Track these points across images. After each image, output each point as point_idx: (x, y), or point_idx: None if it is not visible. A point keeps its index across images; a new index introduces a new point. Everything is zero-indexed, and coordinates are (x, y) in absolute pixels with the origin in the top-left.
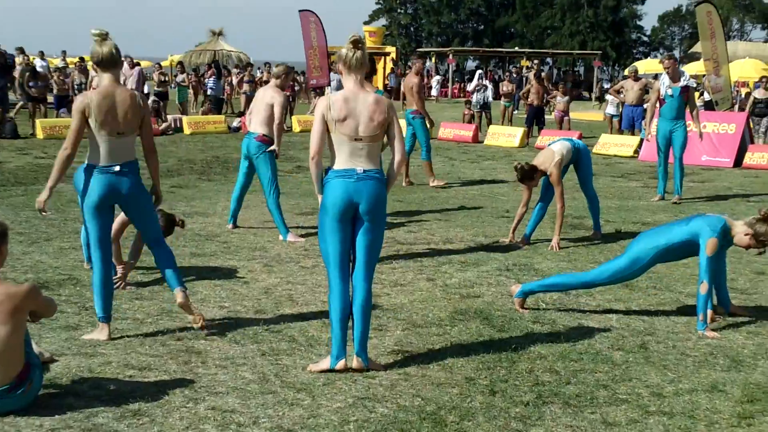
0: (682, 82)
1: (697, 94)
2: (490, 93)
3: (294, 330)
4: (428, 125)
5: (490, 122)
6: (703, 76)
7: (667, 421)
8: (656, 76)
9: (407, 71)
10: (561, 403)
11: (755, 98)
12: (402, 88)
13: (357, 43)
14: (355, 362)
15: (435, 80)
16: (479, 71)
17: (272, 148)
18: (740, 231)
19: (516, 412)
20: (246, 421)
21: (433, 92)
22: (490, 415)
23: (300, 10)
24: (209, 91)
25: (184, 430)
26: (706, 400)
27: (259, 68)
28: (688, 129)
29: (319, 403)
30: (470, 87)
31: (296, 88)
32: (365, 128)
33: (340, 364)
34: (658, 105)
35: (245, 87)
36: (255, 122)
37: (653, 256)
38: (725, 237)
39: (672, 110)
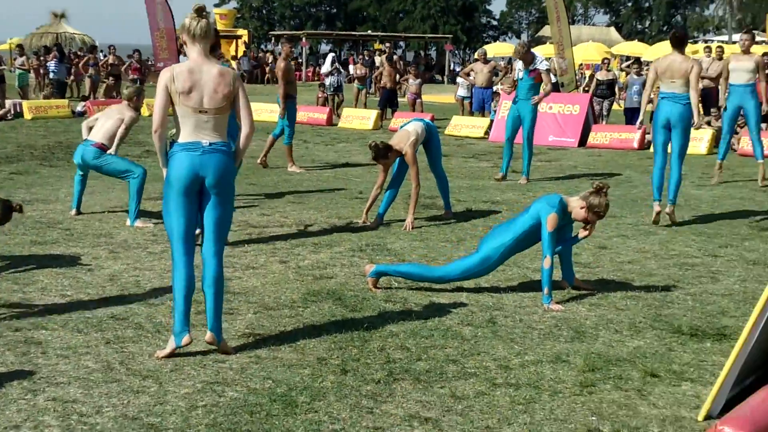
0: (534, 66)
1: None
2: (342, 76)
3: (141, 317)
4: (280, 113)
5: (340, 104)
6: (548, 59)
7: (513, 393)
8: (510, 61)
9: (260, 54)
10: (411, 379)
11: (597, 80)
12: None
13: (201, 12)
14: (208, 336)
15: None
16: (332, 54)
17: (110, 151)
18: (576, 205)
19: (367, 390)
20: (89, 411)
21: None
22: (342, 394)
23: None
24: (51, 75)
25: (23, 423)
26: (550, 370)
27: (101, 51)
28: (539, 109)
29: (167, 390)
30: (323, 70)
31: (144, 71)
32: (210, 100)
33: (185, 339)
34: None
35: (90, 70)
36: (98, 132)
37: (502, 253)
38: (565, 214)
39: (523, 91)
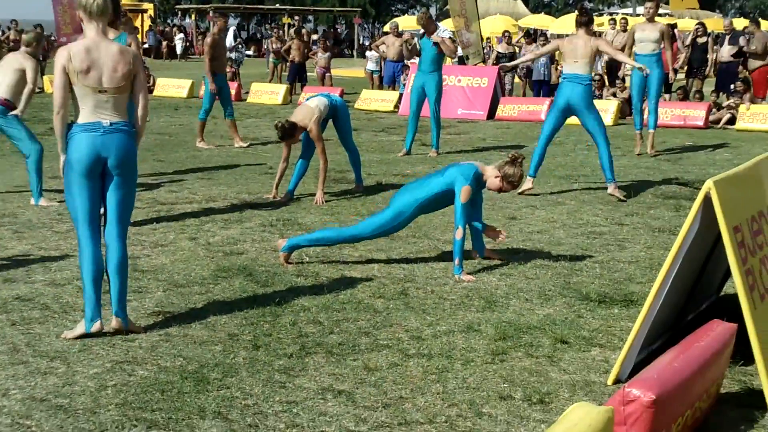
0: (435, 36)
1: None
2: (243, 51)
3: (47, 297)
4: (210, 87)
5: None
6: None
7: (426, 363)
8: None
9: (166, 29)
10: (324, 353)
11: (498, 52)
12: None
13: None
14: (114, 322)
15: (178, 38)
16: (233, 28)
17: (15, 112)
18: (491, 174)
19: (279, 365)
20: None
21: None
22: (254, 369)
23: None
24: None
25: None
26: (462, 340)
27: (8, 27)
28: (444, 82)
29: (75, 370)
30: (227, 44)
31: (47, 47)
32: (109, 79)
33: (96, 327)
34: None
35: None
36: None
37: (415, 208)
38: (478, 183)
39: (425, 62)
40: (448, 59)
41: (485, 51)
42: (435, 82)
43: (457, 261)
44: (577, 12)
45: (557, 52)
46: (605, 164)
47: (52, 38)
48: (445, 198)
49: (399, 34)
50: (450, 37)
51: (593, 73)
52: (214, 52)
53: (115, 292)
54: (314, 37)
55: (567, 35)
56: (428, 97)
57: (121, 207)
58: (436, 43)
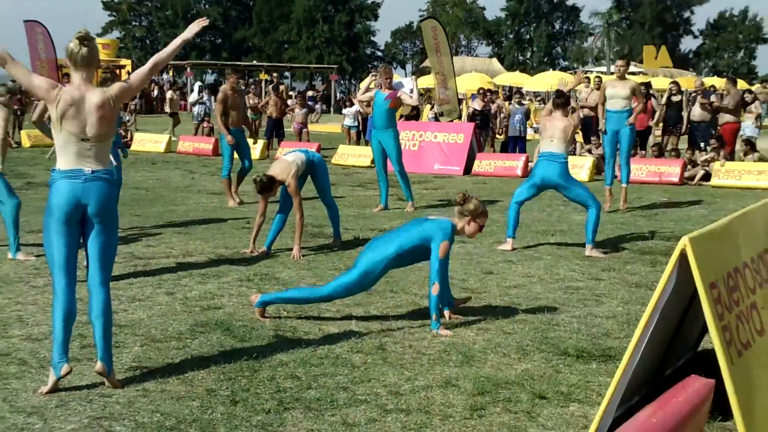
0: (406, 87)
1: (428, 107)
2: (209, 104)
3: (24, 352)
4: (227, 140)
5: (210, 132)
6: (430, 89)
7: (404, 418)
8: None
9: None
10: (302, 408)
11: (474, 109)
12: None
13: (83, 39)
14: (98, 366)
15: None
16: (198, 83)
17: None
18: (463, 224)
19: (258, 420)
20: None
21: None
22: (232, 425)
23: (25, 21)
24: None
25: None
26: (440, 395)
27: None
28: (421, 138)
29: (52, 426)
30: (190, 99)
31: (24, 101)
32: (92, 128)
33: (64, 369)
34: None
35: None
36: None
37: (385, 266)
38: (453, 238)
39: (379, 118)
40: (400, 113)
41: (461, 108)
42: (391, 138)
43: (434, 316)
44: (554, 95)
45: (533, 111)
46: (590, 227)
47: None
48: (416, 253)
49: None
50: (411, 90)
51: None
52: (224, 107)
53: (100, 338)
54: (310, 93)
55: (543, 94)
56: (389, 154)
57: (102, 254)
58: (388, 98)
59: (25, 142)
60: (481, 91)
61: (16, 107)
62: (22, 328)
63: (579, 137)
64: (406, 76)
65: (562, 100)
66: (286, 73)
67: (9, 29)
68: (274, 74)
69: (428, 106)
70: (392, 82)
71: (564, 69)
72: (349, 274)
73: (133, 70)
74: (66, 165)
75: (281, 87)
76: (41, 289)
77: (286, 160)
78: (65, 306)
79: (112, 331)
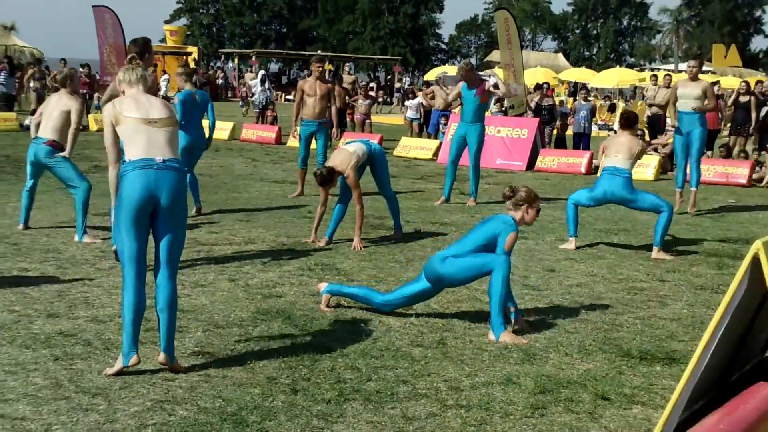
0: (485, 86)
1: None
2: (270, 92)
3: (89, 333)
4: (292, 133)
5: (275, 121)
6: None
7: (465, 414)
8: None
9: (209, 71)
10: (362, 400)
11: (538, 104)
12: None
13: (132, 61)
14: (161, 357)
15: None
16: (261, 72)
17: (63, 153)
18: (519, 215)
19: (318, 410)
20: (38, 429)
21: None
22: (292, 413)
23: (94, 6)
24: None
25: None
26: (501, 392)
27: (46, 64)
28: (487, 132)
29: (116, 408)
30: (253, 87)
31: (94, 86)
32: (157, 112)
33: (133, 360)
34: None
35: (35, 84)
36: (45, 127)
37: (458, 281)
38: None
39: (467, 113)
40: (491, 109)
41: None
42: (477, 132)
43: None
44: (620, 115)
45: (598, 107)
46: (660, 229)
47: (97, 76)
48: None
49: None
50: (495, 84)
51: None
52: (301, 96)
53: (164, 330)
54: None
55: (610, 90)
56: (469, 147)
57: (171, 249)
58: (478, 94)
59: (93, 126)
60: (546, 86)
61: (84, 91)
62: (87, 309)
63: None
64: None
65: (628, 120)
66: (350, 64)
67: (84, 14)
68: (348, 64)
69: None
70: (476, 76)
71: (630, 66)
72: (415, 285)
73: (199, 57)
74: (136, 154)
75: (352, 78)
76: (106, 271)
77: (347, 151)
78: (134, 299)
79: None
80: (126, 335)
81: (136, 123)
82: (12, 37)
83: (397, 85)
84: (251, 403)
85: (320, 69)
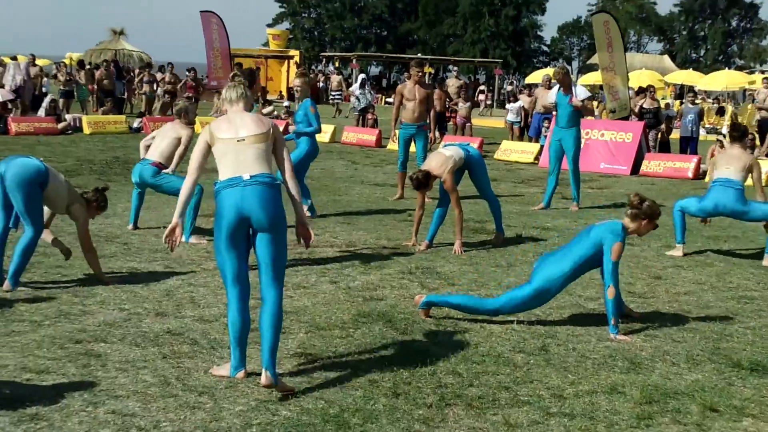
0: (575, 100)
1: (595, 103)
2: (370, 96)
3: (196, 333)
4: (391, 137)
5: (375, 124)
6: (600, 87)
7: (568, 423)
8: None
9: (311, 74)
10: (464, 405)
11: (642, 108)
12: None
13: (234, 78)
14: (264, 379)
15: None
16: (362, 75)
17: (167, 170)
18: (635, 225)
19: (419, 414)
20: (147, 425)
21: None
22: (394, 417)
23: (201, 11)
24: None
25: None
26: (605, 401)
27: (158, 68)
28: (585, 137)
29: (222, 407)
30: (352, 89)
31: (199, 89)
32: (247, 130)
33: (240, 374)
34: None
35: (145, 87)
36: (155, 151)
37: (562, 282)
38: (626, 239)
39: (562, 118)
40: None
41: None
42: (572, 137)
43: (612, 320)
44: (730, 128)
45: (706, 110)
46: None
47: (204, 81)
48: (591, 262)
49: (550, 87)
50: (589, 98)
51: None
52: (400, 100)
53: (267, 348)
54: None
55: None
56: (566, 152)
57: (273, 264)
58: (571, 101)
59: (198, 129)
60: (650, 90)
61: (190, 95)
62: (194, 309)
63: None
64: (572, 73)
65: (738, 133)
66: (450, 67)
67: (190, 20)
68: (455, 68)
69: (595, 103)
70: (570, 82)
71: (740, 68)
72: (523, 289)
73: (301, 60)
74: (226, 174)
75: (459, 82)
76: (212, 272)
77: (444, 155)
78: (238, 318)
79: None
80: (233, 353)
81: (225, 144)
82: (121, 41)
83: (509, 88)
84: (353, 406)
85: (419, 73)
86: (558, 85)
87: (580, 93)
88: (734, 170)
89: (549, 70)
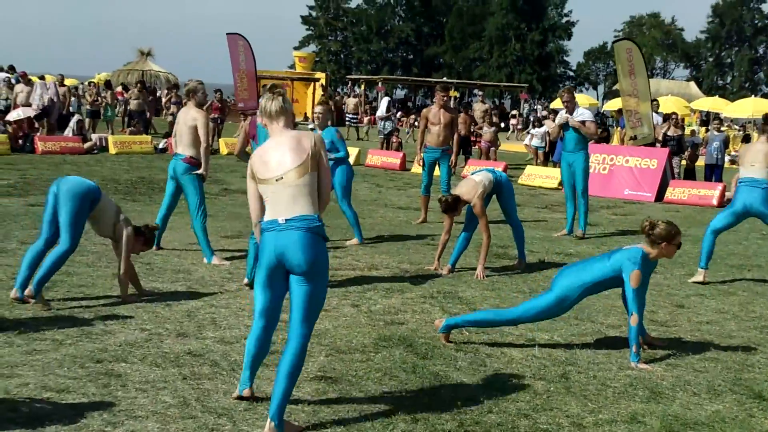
0: (572, 120)
1: (619, 129)
2: (395, 120)
3: (216, 354)
4: (416, 159)
5: (399, 147)
6: (619, 110)
7: None
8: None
9: (335, 96)
10: None
11: (666, 135)
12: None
13: (273, 89)
14: (267, 429)
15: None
16: (387, 98)
17: (199, 171)
18: (656, 251)
19: None
20: None
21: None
22: None
23: (228, 33)
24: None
25: None
26: (625, 430)
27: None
28: (609, 163)
29: (240, 429)
30: (379, 113)
31: (225, 110)
32: (287, 163)
33: (246, 392)
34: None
35: (172, 108)
36: (180, 145)
37: (581, 293)
38: (647, 266)
39: (569, 142)
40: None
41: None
42: (581, 160)
43: (634, 348)
44: (762, 119)
45: (732, 138)
46: None
47: (230, 102)
48: (610, 282)
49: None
50: (591, 120)
51: None
52: (425, 124)
53: (278, 395)
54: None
55: (744, 120)
56: (576, 175)
57: (306, 305)
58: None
59: (223, 150)
60: (674, 116)
61: (215, 115)
62: (215, 330)
63: None
64: (598, 98)
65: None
66: (476, 91)
67: (217, 41)
68: (480, 92)
69: (618, 129)
70: (574, 103)
71: (766, 95)
72: (544, 298)
73: (327, 83)
74: (266, 215)
75: (485, 106)
76: (233, 293)
77: (473, 180)
78: (256, 345)
79: None
80: (244, 370)
81: (265, 185)
82: (148, 62)
83: (544, 113)
84: (371, 430)
85: (444, 97)
86: (564, 109)
87: (581, 114)
88: (759, 168)
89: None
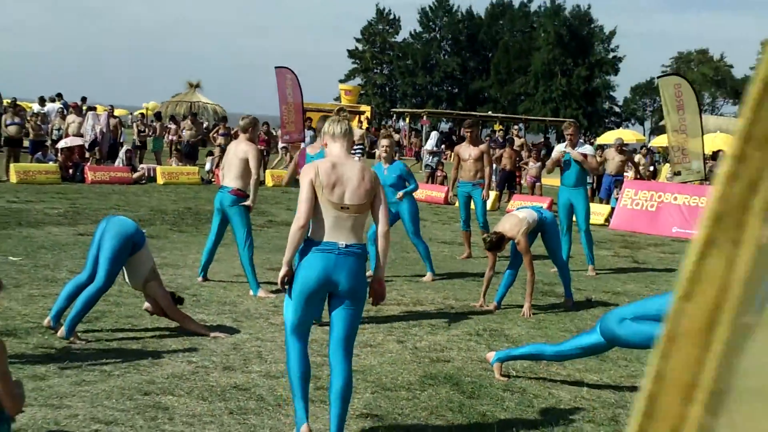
0: (575, 153)
1: (666, 165)
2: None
3: (262, 389)
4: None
5: (443, 181)
6: (666, 147)
7: None
8: (635, 149)
9: (382, 128)
10: None
11: (711, 171)
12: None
13: (340, 112)
14: None
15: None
16: (435, 132)
17: (247, 203)
18: None
19: None
20: None
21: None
22: None
23: (276, 67)
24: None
25: None
26: None
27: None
28: (657, 200)
29: None
30: (428, 146)
31: (271, 143)
32: (352, 196)
33: (303, 428)
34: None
35: (219, 140)
36: (228, 176)
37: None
38: None
39: (569, 177)
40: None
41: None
42: (582, 196)
43: None
44: None
45: None
46: None
47: (276, 134)
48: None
49: (622, 151)
50: (592, 155)
51: None
52: (458, 159)
53: (335, 419)
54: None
55: None
56: (577, 214)
57: (348, 327)
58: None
59: (269, 182)
60: (722, 154)
61: (261, 147)
62: (261, 364)
63: None
64: (644, 134)
65: None
66: (520, 125)
67: (264, 74)
68: (516, 126)
69: (666, 165)
70: (578, 137)
71: None
72: (588, 338)
73: (372, 116)
74: (321, 237)
75: (521, 141)
76: (279, 327)
77: (517, 216)
78: (300, 367)
79: None
80: (297, 403)
81: (328, 206)
82: (197, 93)
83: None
84: None
85: (470, 133)
86: (567, 141)
87: (584, 149)
88: None
89: (621, 132)
